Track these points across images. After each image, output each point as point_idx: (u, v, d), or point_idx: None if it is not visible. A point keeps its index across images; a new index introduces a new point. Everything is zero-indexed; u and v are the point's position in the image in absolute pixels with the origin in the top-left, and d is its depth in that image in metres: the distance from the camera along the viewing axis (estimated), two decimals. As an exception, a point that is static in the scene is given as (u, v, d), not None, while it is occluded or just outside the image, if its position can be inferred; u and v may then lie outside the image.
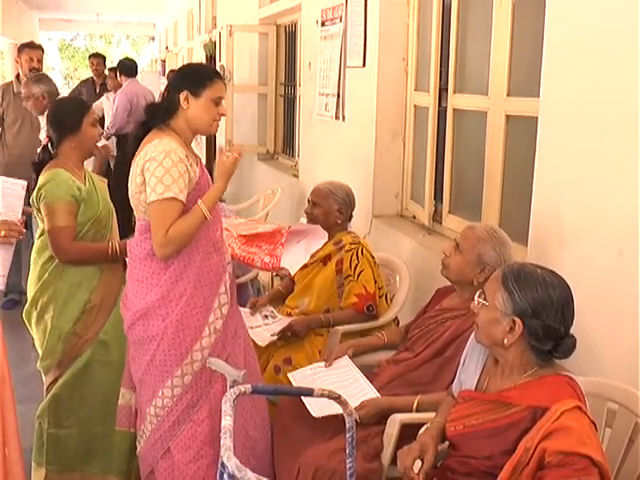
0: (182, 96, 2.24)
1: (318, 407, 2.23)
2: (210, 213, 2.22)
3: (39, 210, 2.66)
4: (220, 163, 2.30)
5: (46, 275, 2.68)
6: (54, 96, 4.22)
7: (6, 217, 2.49)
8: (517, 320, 1.67)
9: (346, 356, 2.57)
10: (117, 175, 6.65)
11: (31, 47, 5.32)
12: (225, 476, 1.31)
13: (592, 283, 2.04)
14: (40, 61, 5.28)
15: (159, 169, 2.13)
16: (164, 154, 2.15)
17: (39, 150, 2.79)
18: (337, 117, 4.20)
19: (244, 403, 2.36)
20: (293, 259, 2.36)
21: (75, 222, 2.63)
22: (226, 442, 1.30)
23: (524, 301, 1.66)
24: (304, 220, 3.23)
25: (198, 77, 2.27)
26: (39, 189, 2.63)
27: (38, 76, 4.54)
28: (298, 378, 2.52)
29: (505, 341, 1.70)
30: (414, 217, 3.68)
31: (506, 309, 1.69)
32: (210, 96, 2.25)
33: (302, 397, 2.38)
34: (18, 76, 5.29)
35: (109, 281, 2.71)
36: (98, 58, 7.77)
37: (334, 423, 2.16)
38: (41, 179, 2.65)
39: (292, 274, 2.56)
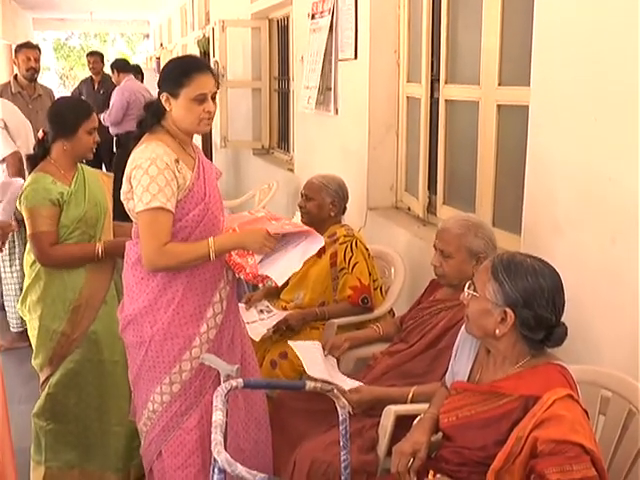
0: (162, 98, 2.14)
1: (312, 366, 2.28)
2: (216, 256, 2.11)
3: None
4: (263, 235, 2.10)
5: (33, 275, 2.69)
6: None
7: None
8: (508, 311, 1.66)
9: (334, 360, 2.58)
10: (116, 173, 6.63)
11: (28, 47, 5.34)
12: (216, 470, 1.31)
13: (587, 271, 2.04)
14: (37, 60, 5.29)
15: (145, 177, 2.05)
16: (150, 161, 2.06)
17: (34, 144, 2.80)
18: (326, 110, 4.18)
19: (244, 401, 2.34)
20: (284, 266, 2.12)
21: (56, 226, 2.62)
22: (216, 437, 1.29)
23: (515, 291, 1.66)
24: (298, 214, 3.22)
25: (174, 76, 2.13)
26: (21, 194, 2.63)
27: None
28: (300, 345, 2.55)
29: (497, 332, 1.69)
30: (409, 209, 3.67)
31: (497, 300, 1.68)
32: (189, 95, 2.10)
33: (301, 357, 2.41)
34: (16, 76, 5.30)
35: (95, 280, 2.70)
36: (95, 56, 7.75)
37: (330, 416, 2.16)
38: (25, 183, 2.66)
39: (278, 285, 2.34)
